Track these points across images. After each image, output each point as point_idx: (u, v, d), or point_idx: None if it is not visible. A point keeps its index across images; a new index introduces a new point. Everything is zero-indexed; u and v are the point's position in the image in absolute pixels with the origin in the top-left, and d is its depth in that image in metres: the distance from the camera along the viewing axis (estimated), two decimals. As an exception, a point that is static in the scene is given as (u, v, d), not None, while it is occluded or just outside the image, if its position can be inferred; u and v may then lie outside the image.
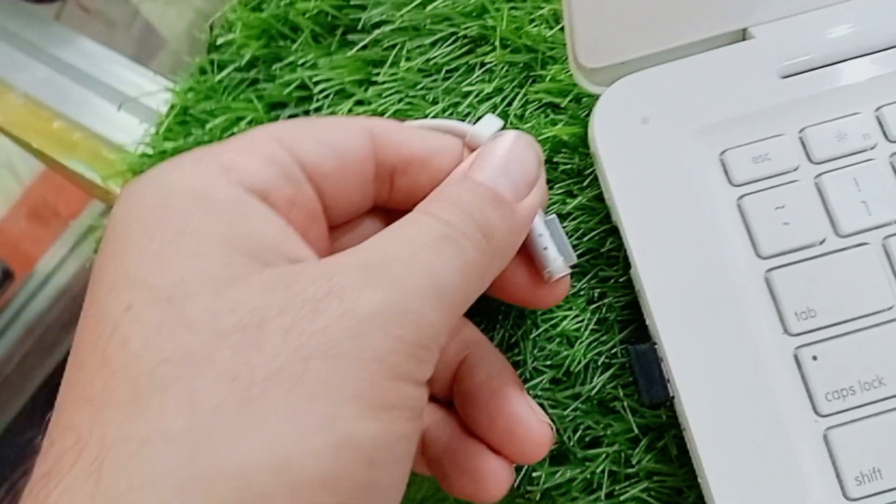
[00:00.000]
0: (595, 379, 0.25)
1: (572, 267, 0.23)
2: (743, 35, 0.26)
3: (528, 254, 0.22)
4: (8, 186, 0.65)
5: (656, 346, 0.23)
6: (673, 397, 0.23)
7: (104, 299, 0.17)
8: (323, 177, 0.20)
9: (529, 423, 0.22)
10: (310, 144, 0.20)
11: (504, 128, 0.22)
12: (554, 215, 0.23)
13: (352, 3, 0.29)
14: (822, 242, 0.24)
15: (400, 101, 0.28)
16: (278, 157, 0.19)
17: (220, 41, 0.28)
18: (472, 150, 0.22)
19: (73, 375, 0.17)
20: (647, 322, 0.24)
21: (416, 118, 0.28)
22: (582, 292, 0.26)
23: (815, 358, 0.23)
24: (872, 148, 0.24)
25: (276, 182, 0.19)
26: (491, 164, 0.21)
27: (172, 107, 0.28)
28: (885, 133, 0.25)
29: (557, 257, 0.22)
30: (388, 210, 0.23)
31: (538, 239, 0.22)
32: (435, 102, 0.28)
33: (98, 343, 0.16)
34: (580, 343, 0.25)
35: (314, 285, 0.17)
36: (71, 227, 0.58)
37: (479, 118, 0.22)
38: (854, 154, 0.24)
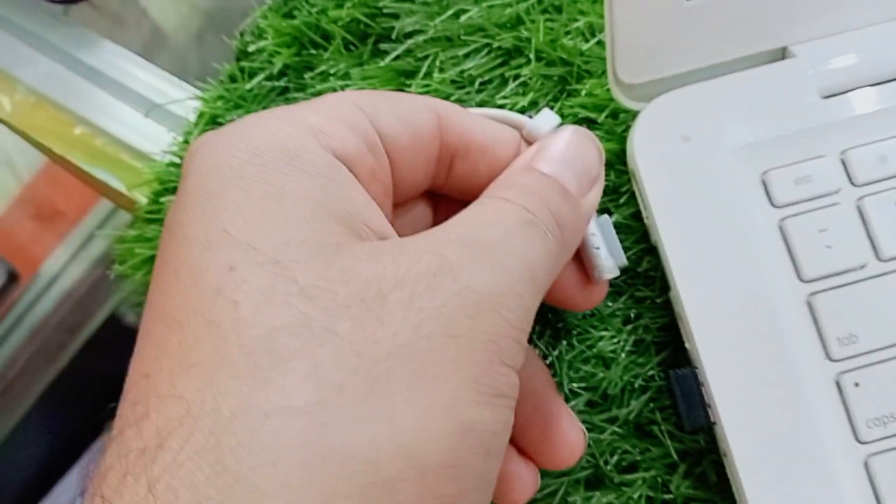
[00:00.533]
0: (632, 402, 0.25)
1: (621, 269, 0.22)
2: (783, 54, 0.26)
3: (575, 253, 0.22)
4: (7, 183, 0.64)
5: (697, 371, 0.23)
6: (714, 423, 0.23)
7: (200, 256, 0.16)
8: (399, 152, 0.20)
9: (565, 427, 0.22)
10: (388, 117, 0.19)
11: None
12: (606, 216, 0.22)
13: (384, 11, 0.29)
14: (863, 267, 0.23)
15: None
16: (362, 126, 0.19)
17: (250, 48, 0.28)
18: (529, 143, 0.22)
19: (168, 335, 0.15)
20: (688, 346, 0.24)
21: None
22: (618, 313, 0.26)
23: (857, 384, 0.23)
24: (915, 171, 0.24)
25: (360, 151, 0.18)
26: (555, 156, 0.20)
27: (201, 115, 0.28)
28: (927, 156, 0.24)
29: (609, 258, 0.22)
30: (437, 196, 0.23)
31: (590, 238, 0.22)
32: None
33: (200, 303, 0.15)
34: (617, 365, 0.25)
35: (424, 259, 0.16)
36: (77, 229, 0.58)
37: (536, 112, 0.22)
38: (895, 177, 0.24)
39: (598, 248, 0.22)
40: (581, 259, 0.23)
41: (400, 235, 0.19)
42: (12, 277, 0.55)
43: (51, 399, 0.56)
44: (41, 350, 0.56)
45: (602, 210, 0.27)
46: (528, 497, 0.21)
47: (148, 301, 0.17)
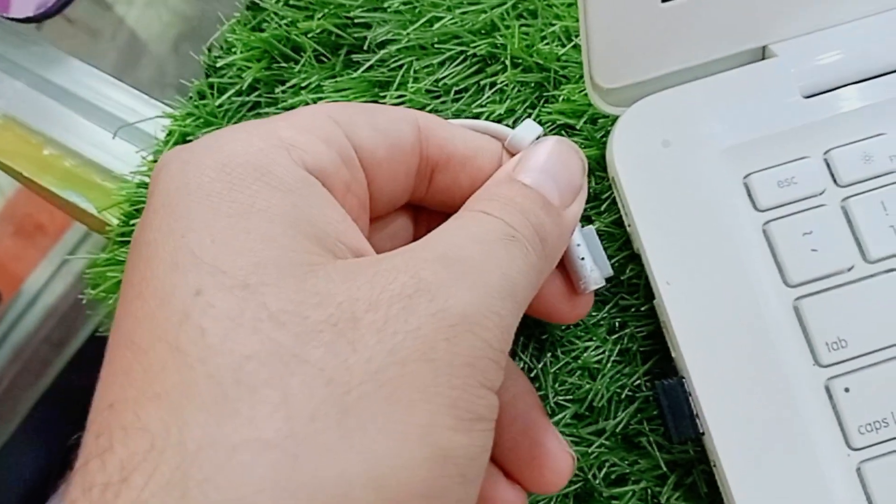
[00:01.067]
0: (619, 413, 0.24)
1: (606, 280, 0.22)
2: (763, 53, 0.26)
3: (559, 266, 0.22)
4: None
5: (684, 381, 0.23)
6: (703, 433, 0.22)
7: (166, 278, 0.15)
8: (376, 164, 0.19)
9: (553, 450, 0.21)
10: (365, 129, 0.19)
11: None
12: (591, 226, 0.22)
13: (356, 21, 0.28)
14: (850, 269, 0.23)
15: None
16: (337, 139, 0.18)
17: (219, 63, 0.27)
18: (511, 154, 0.22)
19: (133, 362, 0.15)
20: (674, 355, 0.23)
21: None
22: (602, 322, 0.25)
23: (847, 390, 0.22)
24: (900, 169, 0.24)
25: (334, 165, 0.18)
26: (537, 167, 0.20)
27: (171, 133, 0.27)
28: (912, 153, 0.24)
29: (594, 268, 0.22)
30: (418, 209, 0.22)
31: (575, 249, 0.22)
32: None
33: (166, 329, 0.15)
34: (602, 376, 0.24)
35: (399, 280, 0.16)
36: (58, 245, 0.57)
37: (517, 123, 0.22)
38: (881, 176, 0.24)
39: (583, 259, 0.22)
40: (566, 270, 0.22)
41: (379, 250, 0.18)
42: (-5, 296, 0.55)
43: (37, 416, 0.55)
44: (26, 368, 0.56)
45: (584, 218, 0.26)
46: None
47: (114, 324, 0.16)
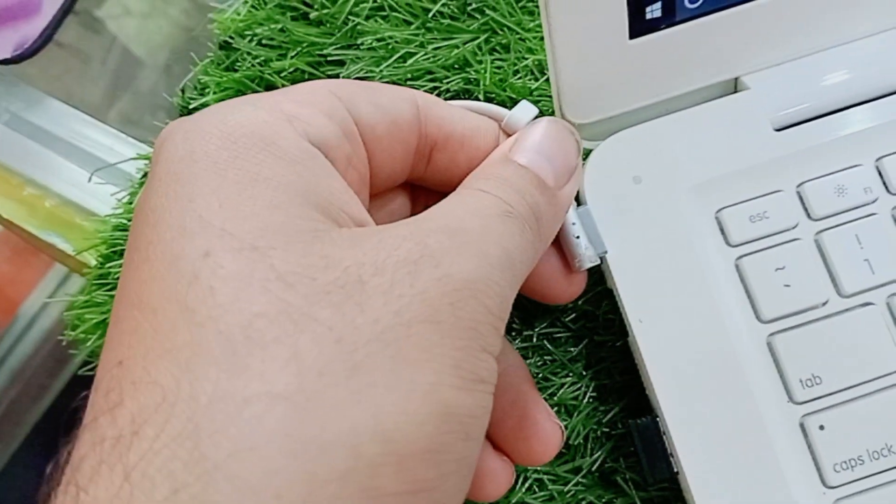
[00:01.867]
0: (596, 451, 0.24)
1: (601, 256, 0.23)
2: (735, 85, 0.25)
3: (555, 244, 0.22)
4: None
5: (658, 420, 0.23)
6: (677, 473, 0.22)
7: (175, 241, 0.15)
8: (376, 140, 0.20)
9: (542, 421, 0.22)
10: (365, 105, 0.19)
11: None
12: (586, 206, 0.23)
13: (329, 59, 0.28)
14: (824, 304, 0.23)
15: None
16: (338, 113, 0.19)
17: (192, 105, 0.27)
18: (508, 135, 0.22)
19: (142, 321, 0.15)
20: (648, 393, 0.23)
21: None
22: (579, 358, 0.25)
23: (821, 427, 0.22)
24: (874, 202, 0.24)
25: (337, 138, 0.18)
26: (532, 147, 0.20)
27: (146, 175, 0.27)
28: (886, 186, 0.24)
29: (589, 246, 0.22)
30: (416, 188, 0.23)
31: (570, 228, 0.22)
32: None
33: (176, 289, 0.15)
34: (579, 413, 0.24)
35: (404, 246, 0.16)
36: (53, 269, 0.57)
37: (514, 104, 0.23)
38: (855, 209, 0.23)
39: (577, 238, 0.22)
40: (561, 250, 0.23)
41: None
42: (-9, 322, 0.55)
43: (36, 440, 0.56)
44: (24, 393, 0.56)
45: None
46: (502, 492, 0.21)
47: (120, 287, 0.16)
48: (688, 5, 0.23)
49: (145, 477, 0.13)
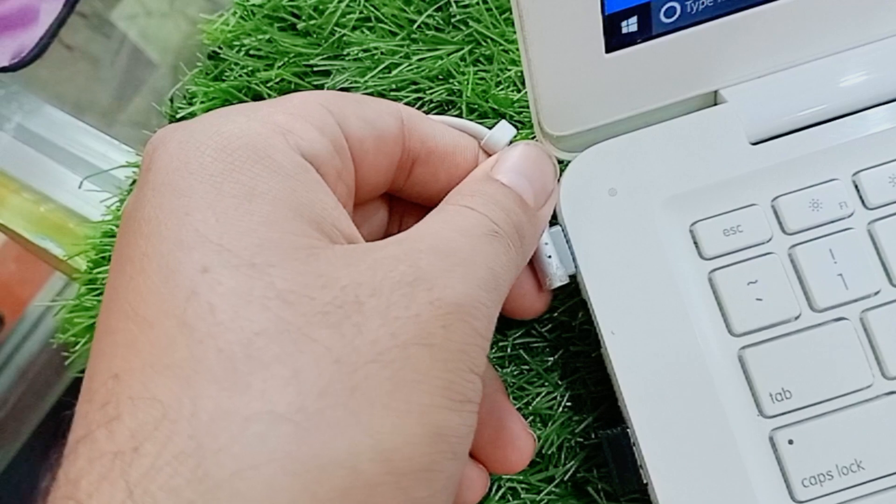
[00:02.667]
0: (570, 461, 0.24)
1: (570, 276, 0.24)
2: (715, 98, 0.26)
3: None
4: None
5: (628, 431, 0.23)
6: (647, 484, 0.22)
7: (171, 255, 0.15)
8: (363, 154, 0.20)
9: (517, 430, 0.22)
10: (355, 119, 0.20)
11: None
12: (557, 227, 0.24)
13: (315, 69, 0.28)
14: (797, 318, 0.23)
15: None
16: (330, 127, 0.19)
17: (180, 114, 0.28)
18: (487, 153, 0.23)
19: (138, 335, 0.15)
20: (619, 404, 0.23)
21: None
22: (555, 368, 0.25)
23: (791, 442, 0.22)
24: (849, 216, 0.24)
25: (328, 153, 0.18)
26: (514, 168, 0.21)
27: (134, 182, 0.28)
28: (862, 200, 0.24)
29: (560, 266, 0.23)
30: (392, 198, 0.23)
31: (543, 247, 0.23)
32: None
33: (173, 304, 0.15)
34: (554, 423, 0.25)
35: (399, 268, 0.16)
36: (58, 272, 0.58)
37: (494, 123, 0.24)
38: (829, 223, 0.24)
39: (549, 257, 0.23)
40: (532, 268, 0.24)
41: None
42: (-1, 320, 0.56)
43: (41, 439, 0.57)
44: (29, 391, 0.57)
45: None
46: (477, 499, 0.22)
47: (109, 296, 0.16)
48: (663, 20, 0.24)
49: (147, 494, 0.13)
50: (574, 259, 0.24)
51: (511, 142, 0.24)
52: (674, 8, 0.23)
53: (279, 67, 0.28)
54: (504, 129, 0.23)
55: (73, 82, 0.45)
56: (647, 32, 0.24)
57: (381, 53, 0.28)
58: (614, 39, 0.23)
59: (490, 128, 0.23)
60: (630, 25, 0.23)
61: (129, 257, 0.16)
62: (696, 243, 0.24)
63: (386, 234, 0.24)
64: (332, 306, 0.15)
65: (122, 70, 0.55)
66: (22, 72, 0.37)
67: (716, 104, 0.25)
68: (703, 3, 0.24)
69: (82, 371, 0.30)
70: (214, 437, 0.14)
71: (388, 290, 0.16)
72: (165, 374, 0.14)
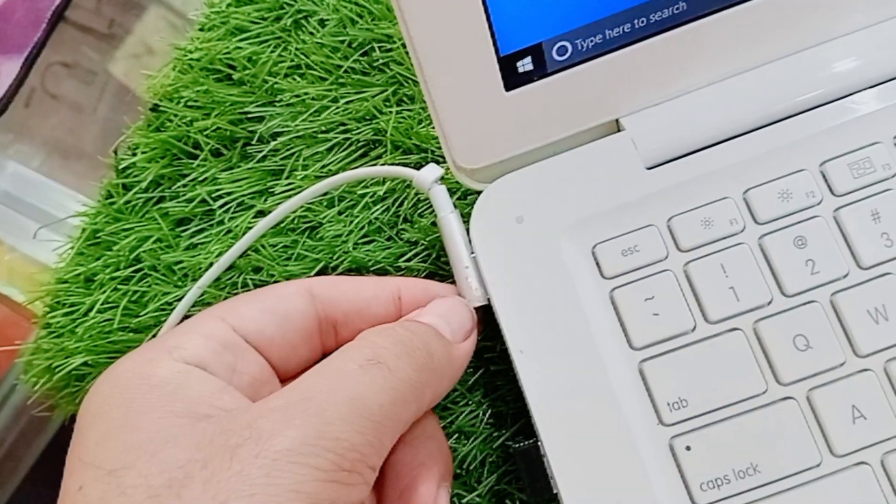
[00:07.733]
0: (491, 475, 0.26)
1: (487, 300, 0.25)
2: (617, 126, 0.27)
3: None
4: None
5: (539, 444, 0.24)
6: (556, 493, 0.24)
7: (64, 484, 0.19)
8: (268, 341, 0.23)
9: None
10: (252, 314, 0.23)
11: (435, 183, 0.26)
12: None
13: (250, 116, 0.30)
14: (692, 330, 0.24)
15: (299, 209, 0.29)
16: (218, 332, 0.22)
17: (122, 164, 0.30)
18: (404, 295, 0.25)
19: None
20: (531, 419, 0.25)
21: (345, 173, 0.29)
22: (477, 386, 0.27)
23: (688, 448, 0.23)
24: (740, 232, 0.25)
25: (214, 353, 0.21)
26: (434, 312, 0.24)
27: (83, 231, 0.30)
28: (753, 216, 0.25)
29: (479, 287, 0.25)
30: None
31: (463, 270, 0.25)
32: (331, 206, 0.29)
33: None
34: (476, 439, 0.26)
35: (237, 434, 0.19)
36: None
37: (422, 166, 0.26)
38: (721, 240, 0.25)
39: (467, 279, 0.25)
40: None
41: None
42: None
43: (36, 479, 0.58)
44: (25, 432, 0.59)
45: None
46: None
47: None
48: (556, 58, 0.25)
49: None
50: (483, 283, 0.25)
51: (440, 179, 0.26)
52: (565, 47, 0.25)
53: (215, 116, 0.30)
54: (431, 170, 0.26)
55: (61, 128, 0.48)
56: (542, 70, 0.25)
57: (311, 98, 0.30)
58: (512, 79, 0.25)
59: (418, 169, 0.26)
60: (525, 65, 0.25)
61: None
62: (597, 264, 0.25)
63: None
64: (162, 488, 0.18)
65: (103, 116, 0.57)
66: (17, 117, 0.40)
67: (618, 132, 0.27)
68: (592, 40, 0.25)
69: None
70: None
71: (217, 457, 0.18)
72: None
